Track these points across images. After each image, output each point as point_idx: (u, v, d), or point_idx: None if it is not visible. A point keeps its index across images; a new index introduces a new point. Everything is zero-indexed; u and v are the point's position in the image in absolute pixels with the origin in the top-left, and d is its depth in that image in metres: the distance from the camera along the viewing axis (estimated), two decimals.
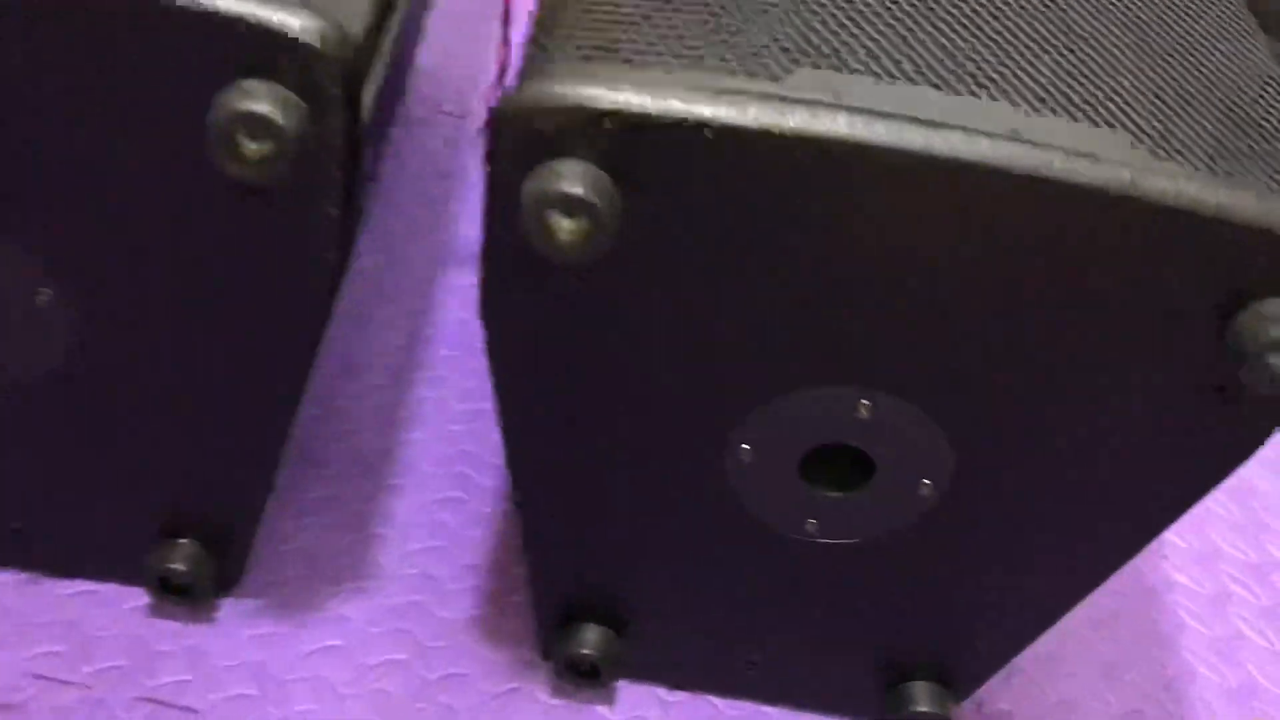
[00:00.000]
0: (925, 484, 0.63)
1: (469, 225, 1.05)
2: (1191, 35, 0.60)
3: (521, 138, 0.50)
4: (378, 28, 0.58)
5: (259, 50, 0.50)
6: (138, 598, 0.76)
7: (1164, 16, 0.60)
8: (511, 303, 0.56)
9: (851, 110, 0.50)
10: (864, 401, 0.59)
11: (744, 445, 0.62)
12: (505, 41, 0.81)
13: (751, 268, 0.53)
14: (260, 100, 0.50)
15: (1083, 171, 0.50)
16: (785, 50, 0.52)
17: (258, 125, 0.50)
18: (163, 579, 0.73)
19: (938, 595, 0.70)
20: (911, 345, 0.56)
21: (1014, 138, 0.50)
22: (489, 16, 1.27)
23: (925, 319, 0.55)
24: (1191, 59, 0.59)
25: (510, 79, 0.63)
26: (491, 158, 0.51)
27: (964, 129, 0.50)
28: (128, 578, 0.76)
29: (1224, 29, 0.61)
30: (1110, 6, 0.59)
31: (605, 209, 0.49)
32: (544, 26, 0.54)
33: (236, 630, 0.76)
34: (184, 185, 0.54)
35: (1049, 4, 0.57)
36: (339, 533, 0.82)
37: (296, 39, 0.50)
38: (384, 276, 0.99)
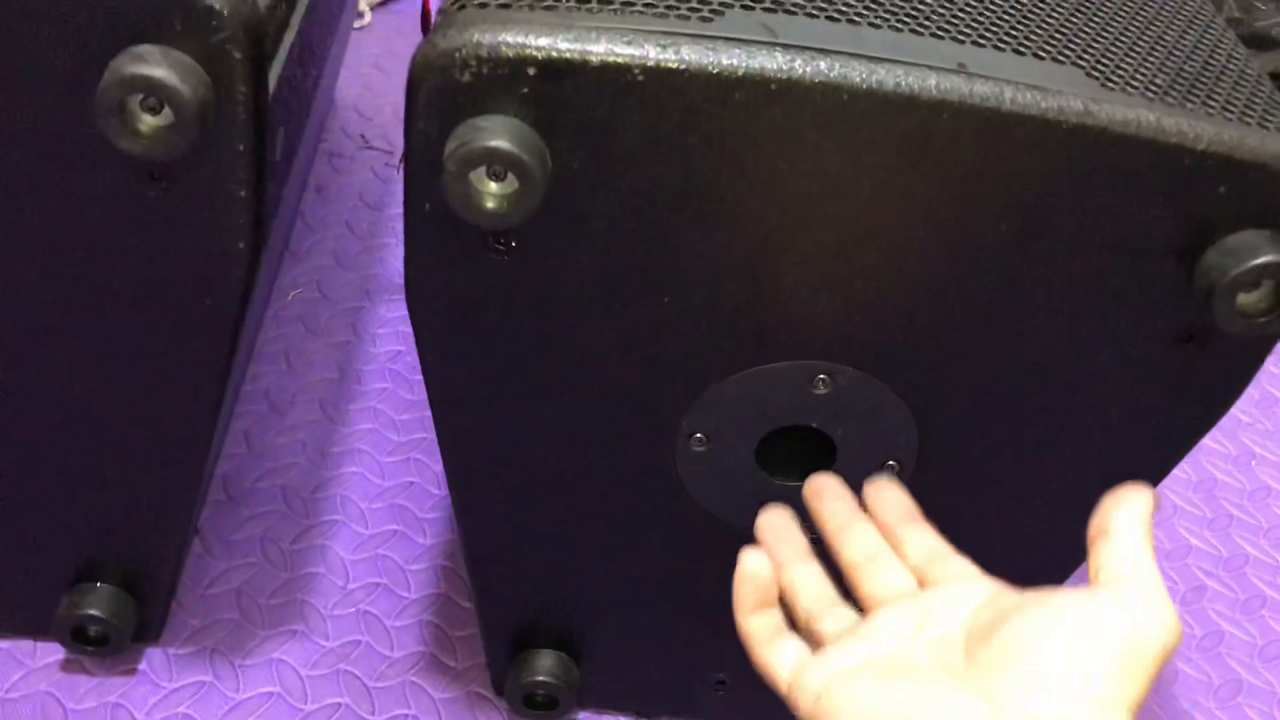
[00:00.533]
0: (890, 465, 0.59)
1: (399, 258, 1.01)
2: None
3: (440, 92, 0.46)
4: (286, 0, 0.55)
5: (154, 12, 0.46)
6: (51, 653, 0.70)
7: None
8: (438, 279, 0.52)
9: (789, 47, 0.47)
10: (821, 376, 0.56)
11: (696, 434, 0.58)
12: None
13: (692, 225, 0.50)
14: (155, 65, 0.46)
15: (1036, 102, 0.47)
16: None
17: (153, 92, 0.46)
18: (76, 628, 0.67)
19: None
20: (865, 307, 0.53)
21: (962, 71, 0.48)
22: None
23: (878, 275, 0.52)
24: (1133, 3, 0.57)
25: None
26: (409, 117, 0.48)
27: (908, 63, 0.47)
28: (39, 632, 0.70)
29: None
30: None
31: (534, 165, 0.46)
32: None
33: (161, 681, 0.70)
34: (78, 171, 0.50)
35: None
36: (271, 573, 0.76)
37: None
38: (311, 311, 0.95)
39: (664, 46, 0.46)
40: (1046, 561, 0.64)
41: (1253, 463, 1.01)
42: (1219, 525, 0.94)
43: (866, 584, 0.45)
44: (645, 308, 0.53)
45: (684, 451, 0.59)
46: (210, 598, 0.74)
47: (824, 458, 0.60)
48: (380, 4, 1.35)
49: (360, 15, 1.31)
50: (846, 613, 0.45)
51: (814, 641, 0.44)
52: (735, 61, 0.46)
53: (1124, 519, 0.40)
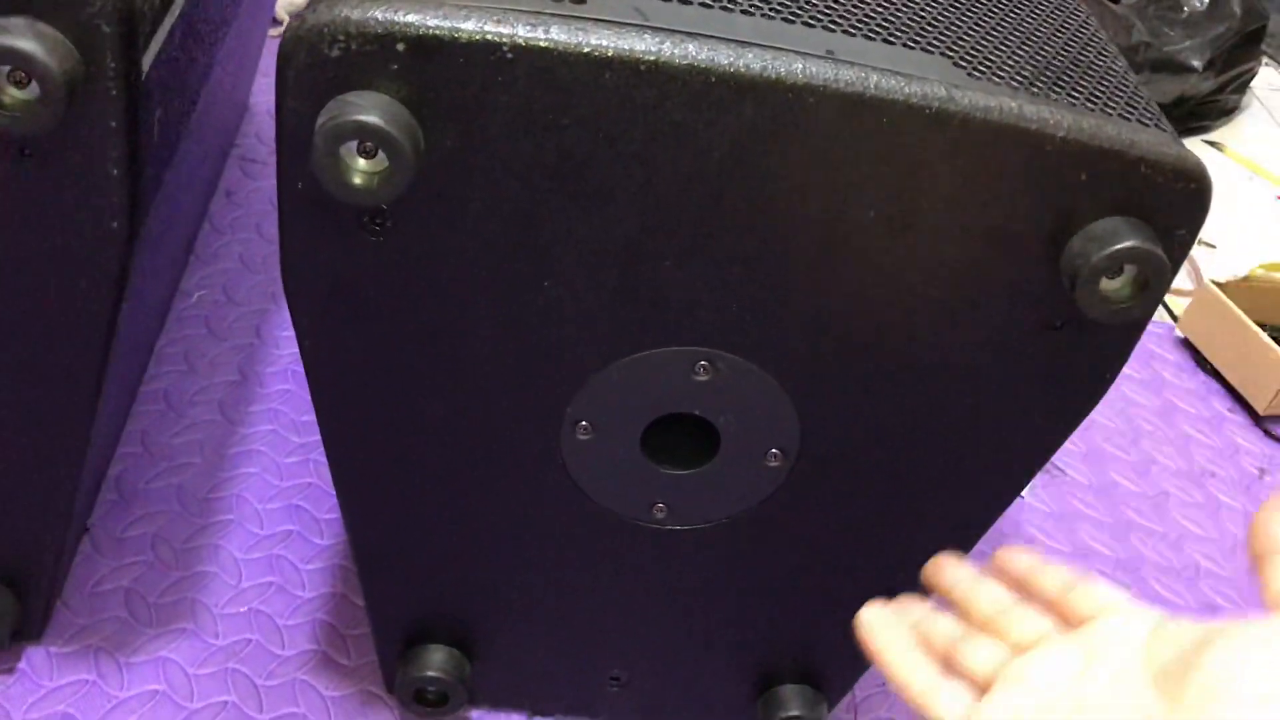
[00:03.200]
0: (774, 453, 0.60)
1: None
2: None
3: (310, 68, 0.46)
4: None
5: None
6: None
7: None
8: (313, 262, 0.52)
9: (659, 30, 0.47)
10: (702, 363, 0.56)
11: (582, 422, 0.58)
12: None
13: (565, 207, 0.50)
14: (20, 37, 0.45)
15: (899, 87, 0.48)
16: None
17: (19, 64, 0.46)
18: None
19: (797, 582, 0.67)
20: (741, 292, 0.53)
21: (829, 57, 0.49)
22: None
23: (751, 259, 0.52)
24: (1008, 1, 0.59)
25: None
26: (280, 94, 0.47)
27: (777, 48, 0.48)
28: None
29: None
30: None
31: (404, 141, 0.46)
32: None
33: (41, 679, 0.68)
34: None
35: None
36: (162, 572, 0.75)
37: None
38: (215, 314, 0.94)
39: (533, 25, 0.47)
40: (929, 545, 0.64)
41: (1153, 469, 1.03)
42: (1119, 530, 0.96)
43: (1008, 636, 0.44)
44: (524, 292, 0.53)
45: (569, 440, 0.59)
46: (98, 596, 0.73)
47: (710, 447, 0.60)
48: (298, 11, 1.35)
49: (278, 24, 1.30)
50: (990, 644, 0.43)
51: (964, 677, 0.43)
52: (604, 42, 0.47)
53: None
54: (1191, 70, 1.50)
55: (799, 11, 0.51)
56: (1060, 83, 0.53)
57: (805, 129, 0.49)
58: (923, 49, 0.52)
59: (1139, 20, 1.51)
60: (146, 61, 0.51)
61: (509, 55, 0.47)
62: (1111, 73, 0.56)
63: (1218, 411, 1.10)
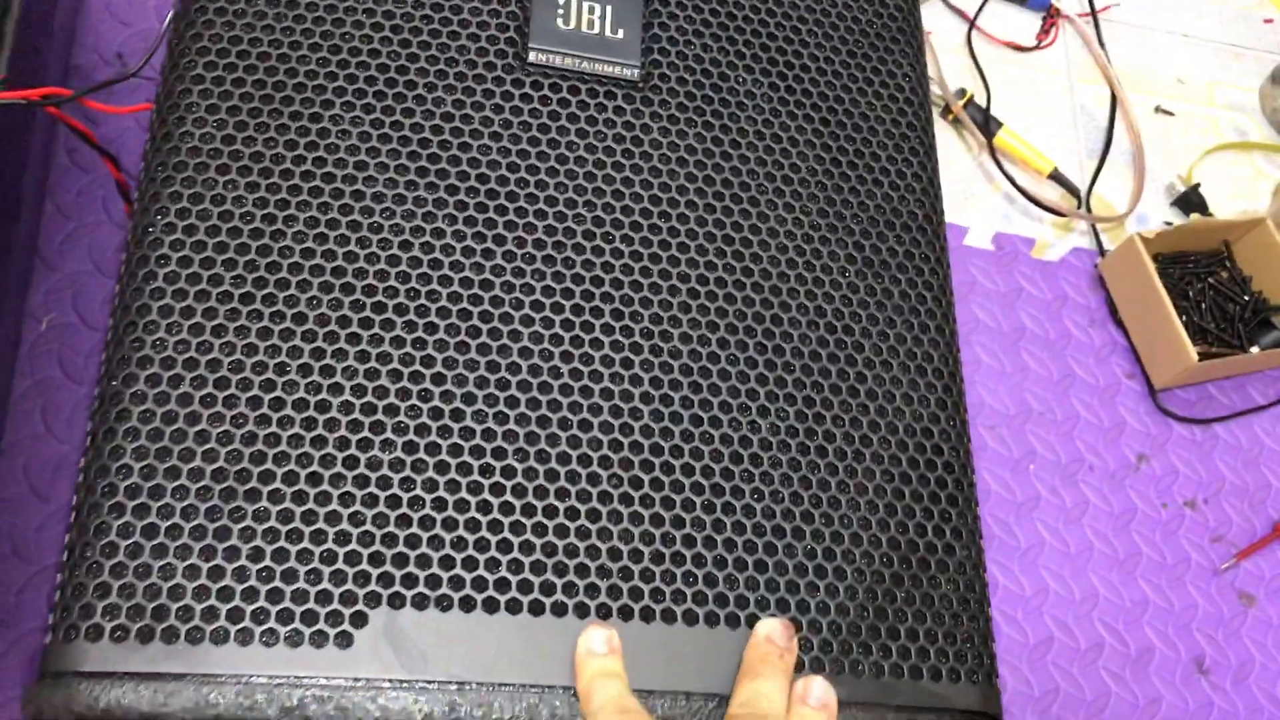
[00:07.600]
0: None
1: None
2: None
3: None
4: None
5: None
6: None
7: None
8: None
9: (413, 686, 0.44)
10: None
11: None
12: None
13: None
14: None
15: None
16: None
17: None
18: None
19: None
20: None
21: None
22: None
23: None
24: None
25: None
26: None
27: (531, 687, 0.45)
28: None
29: None
30: None
31: None
32: None
33: None
34: None
35: None
36: None
37: None
38: (69, 342, 0.89)
39: None
40: None
41: (1030, 467, 1.03)
42: None
43: None
44: None
45: None
46: None
47: None
48: None
49: None
50: None
51: None
52: None
53: None
54: None
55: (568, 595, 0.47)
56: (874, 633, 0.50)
57: None
58: None
59: None
60: None
61: None
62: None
63: (1116, 378, 1.08)
